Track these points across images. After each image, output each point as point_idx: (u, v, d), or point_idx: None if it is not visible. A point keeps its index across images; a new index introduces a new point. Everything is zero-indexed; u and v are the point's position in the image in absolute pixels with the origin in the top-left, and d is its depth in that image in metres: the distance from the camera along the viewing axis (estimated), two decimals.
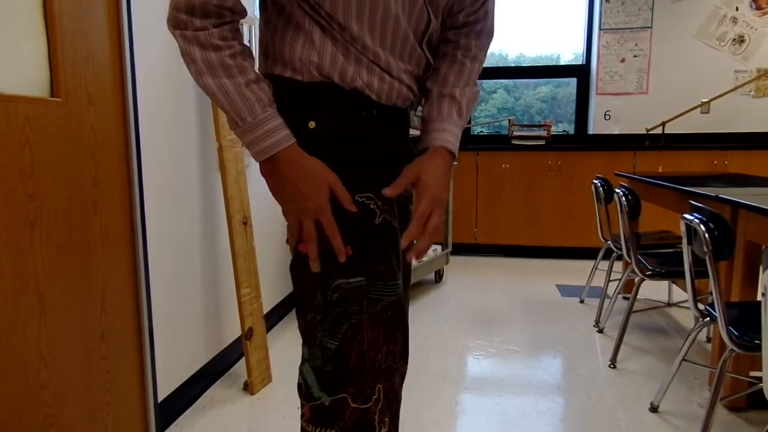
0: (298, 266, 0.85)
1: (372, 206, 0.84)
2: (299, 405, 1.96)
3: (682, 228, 1.64)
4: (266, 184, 0.82)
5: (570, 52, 4.78)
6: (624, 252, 2.38)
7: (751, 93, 4.34)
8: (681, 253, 1.76)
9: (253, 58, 0.80)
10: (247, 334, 1.96)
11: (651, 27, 4.41)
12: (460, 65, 0.95)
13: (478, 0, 0.92)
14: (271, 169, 0.79)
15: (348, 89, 0.82)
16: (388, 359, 0.84)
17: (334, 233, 0.79)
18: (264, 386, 2.02)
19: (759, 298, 1.42)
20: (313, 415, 0.84)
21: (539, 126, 4.44)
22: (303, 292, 0.86)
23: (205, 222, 1.97)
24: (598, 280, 3.38)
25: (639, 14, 4.42)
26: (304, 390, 0.86)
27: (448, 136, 0.89)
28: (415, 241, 0.84)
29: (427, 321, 2.79)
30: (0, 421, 1.12)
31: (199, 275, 1.95)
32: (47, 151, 1.23)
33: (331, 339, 0.82)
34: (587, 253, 4.16)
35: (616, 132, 4.58)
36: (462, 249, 4.40)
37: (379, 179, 0.85)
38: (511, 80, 4.99)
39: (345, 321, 0.82)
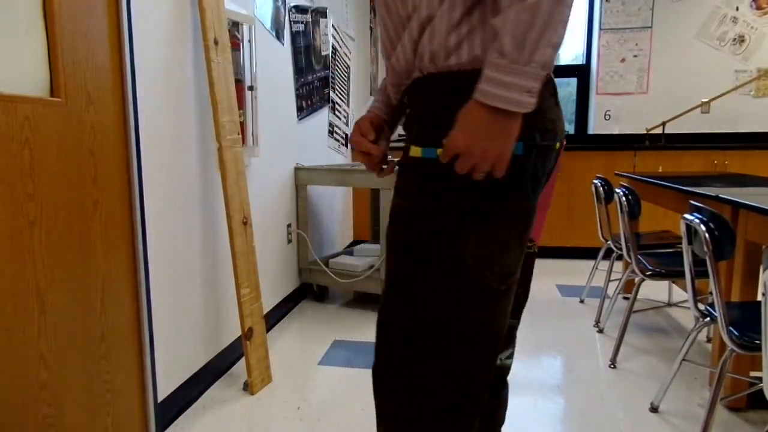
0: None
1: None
2: (298, 405, 1.96)
3: (682, 228, 1.64)
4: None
5: (570, 52, 4.78)
6: (624, 252, 2.38)
7: (751, 93, 4.34)
8: (681, 253, 1.76)
9: None
10: (247, 334, 1.96)
11: (651, 27, 4.42)
12: None
13: None
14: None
15: None
16: None
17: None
18: (264, 386, 2.02)
19: (759, 298, 1.42)
20: None
21: None
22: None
23: (205, 222, 1.97)
24: (598, 280, 3.38)
25: (639, 14, 4.42)
26: None
27: (481, 85, 0.76)
28: None
29: None
30: (0, 421, 1.12)
31: (199, 275, 1.95)
32: (47, 151, 1.23)
33: None
34: (587, 253, 4.16)
35: (616, 132, 4.58)
36: None
37: None
38: None
39: None
